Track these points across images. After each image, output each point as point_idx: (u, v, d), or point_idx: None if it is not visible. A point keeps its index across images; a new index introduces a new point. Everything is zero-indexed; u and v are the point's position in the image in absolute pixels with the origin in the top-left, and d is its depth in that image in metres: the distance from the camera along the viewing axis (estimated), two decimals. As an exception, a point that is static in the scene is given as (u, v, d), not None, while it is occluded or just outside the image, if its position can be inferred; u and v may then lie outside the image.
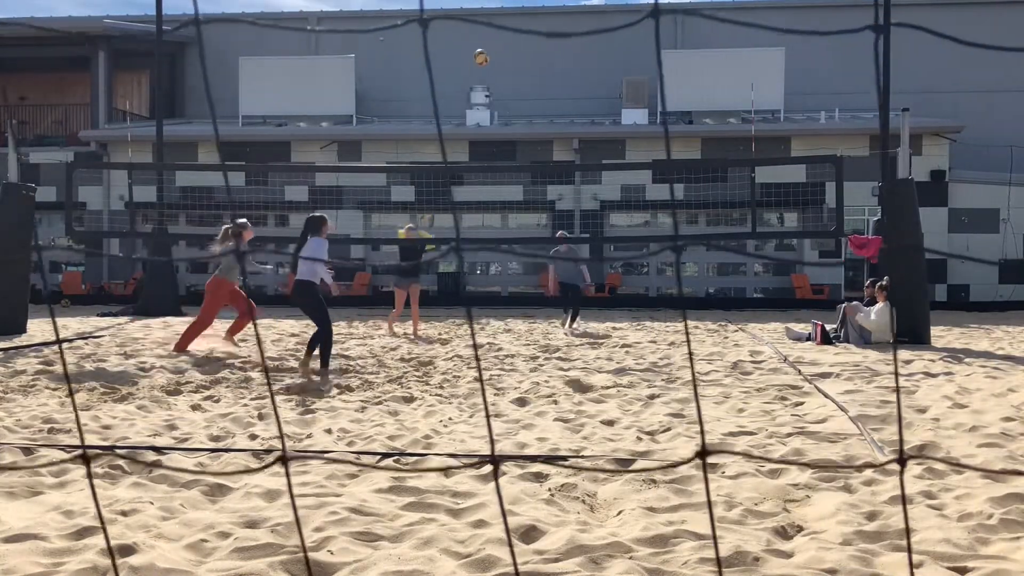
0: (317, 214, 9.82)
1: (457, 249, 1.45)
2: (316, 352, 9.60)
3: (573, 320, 15.45)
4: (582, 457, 5.74)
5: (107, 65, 26.16)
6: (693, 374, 1.27)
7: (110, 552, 1.25)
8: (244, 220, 11.69)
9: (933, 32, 1.53)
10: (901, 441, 1.25)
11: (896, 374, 1.31)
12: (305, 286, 9.44)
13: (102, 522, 1.27)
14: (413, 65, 26.09)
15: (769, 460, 1.47)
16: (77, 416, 1.21)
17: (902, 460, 1.33)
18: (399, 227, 16.59)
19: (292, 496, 1.27)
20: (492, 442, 1.30)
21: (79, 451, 5.64)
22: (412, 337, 13.82)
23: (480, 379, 1.18)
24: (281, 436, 1.25)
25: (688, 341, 1.27)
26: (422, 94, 25.98)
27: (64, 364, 1.33)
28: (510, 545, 1.31)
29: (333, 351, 11.41)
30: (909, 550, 1.33)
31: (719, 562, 1.31)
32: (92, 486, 1.27)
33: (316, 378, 9.11)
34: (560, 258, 14.59)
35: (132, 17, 27.20)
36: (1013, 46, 1.55)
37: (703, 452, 1.37)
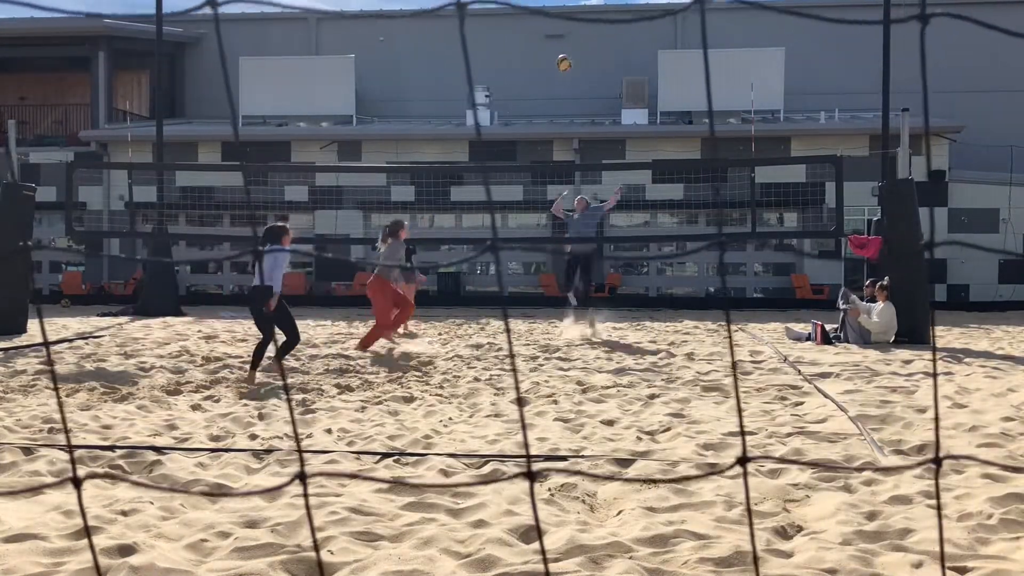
0: (279, 224, 9.71)
1: (494, 248, 1.43)
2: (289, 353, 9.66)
3: (584, 302, 13.64)
4: (583, 458, 5.73)
5: (107, 65, 26.14)
6: (735, 379, 1.27)
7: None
8: (401, 219, 12.03)
9: (978, 22, 1.51)
10: (937, 441, 1.25)
11: (935, 374, 1.31)
12: (265, 291, 9.20)
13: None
14: (413, 65, 26.06)
15: (834, 467, 1.46)
16: None
17: (938, 460, 1.32)
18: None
19: (309, 511, 1.26)
20: (528, 456, 1.30)
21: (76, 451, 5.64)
22: (403, 331, 13.81)
23: (516, 387, 1.18)
24: (300, 452, 1.24)
25: (731, 343, 1.27)
26: (422, 94, 25.95)
27: None
28: (542, 548, 1.31)
29: (325, 352, 11.41)
30: (942, 554, 1.32)
31: (755, 559, 1.30)
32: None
33: (257, 382, 9.00)
34: (580, 239, 13.65)
35: (132, 17, 27.18)
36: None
37: (744, 459, 1.36)
